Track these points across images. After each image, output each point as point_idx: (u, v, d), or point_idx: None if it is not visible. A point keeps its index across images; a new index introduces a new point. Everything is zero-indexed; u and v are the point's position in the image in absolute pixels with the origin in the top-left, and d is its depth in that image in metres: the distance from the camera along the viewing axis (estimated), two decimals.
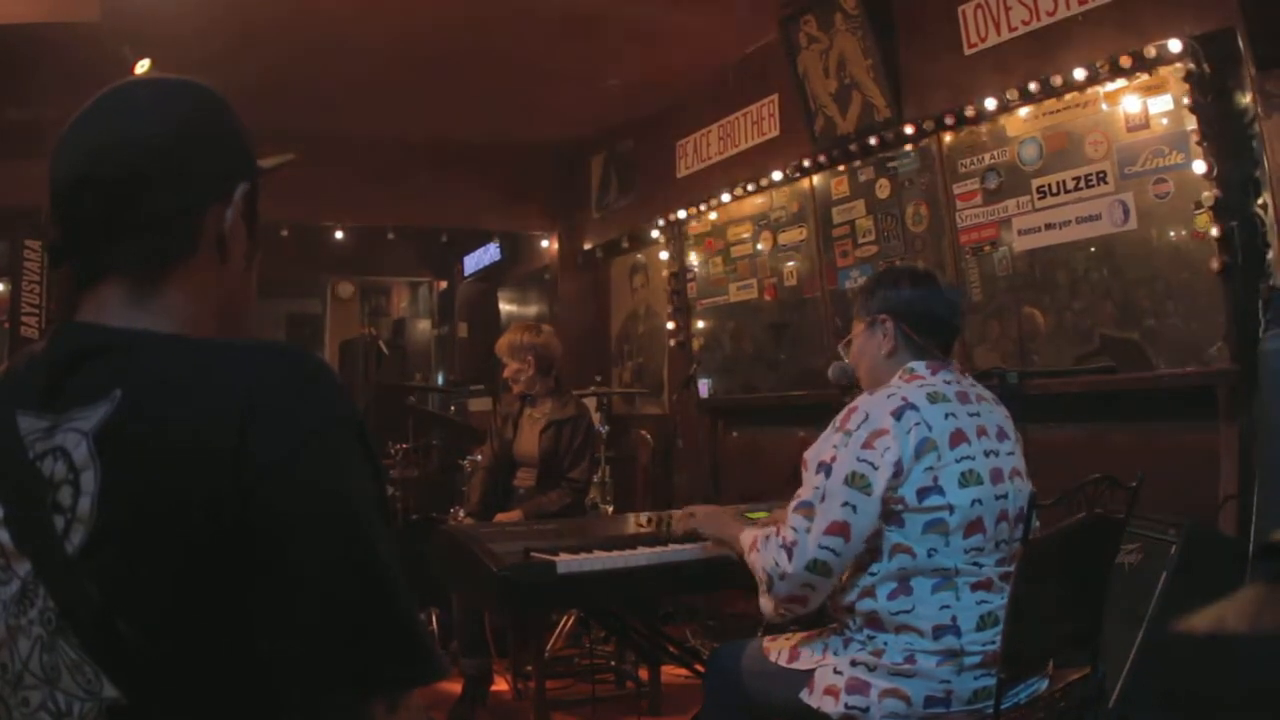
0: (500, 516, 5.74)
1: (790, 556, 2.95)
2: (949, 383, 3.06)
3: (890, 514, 2.90)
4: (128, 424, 1.26)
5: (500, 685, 5.88)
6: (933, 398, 2.97)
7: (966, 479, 2.90)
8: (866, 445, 2.91)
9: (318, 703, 1.26)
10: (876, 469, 2.88)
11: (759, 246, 7.51)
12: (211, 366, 1.30)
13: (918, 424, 2.90)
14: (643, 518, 4.33)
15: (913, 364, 3.11)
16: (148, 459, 1.24)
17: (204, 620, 1.24)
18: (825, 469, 2.97)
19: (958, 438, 2.93)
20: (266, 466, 1.23)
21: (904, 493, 2.88)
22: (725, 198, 7.68)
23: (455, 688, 5.74)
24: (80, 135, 1.40)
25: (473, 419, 10.27)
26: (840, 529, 2.89)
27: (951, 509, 2.87)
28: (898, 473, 2.86)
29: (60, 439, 1.28)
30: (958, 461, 2.90)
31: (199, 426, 1.24)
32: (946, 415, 2.95)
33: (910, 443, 2.88)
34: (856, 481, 2.89)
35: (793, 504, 3.04)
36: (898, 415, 2.91)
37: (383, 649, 1.27)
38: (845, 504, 2.89)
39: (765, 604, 3.09)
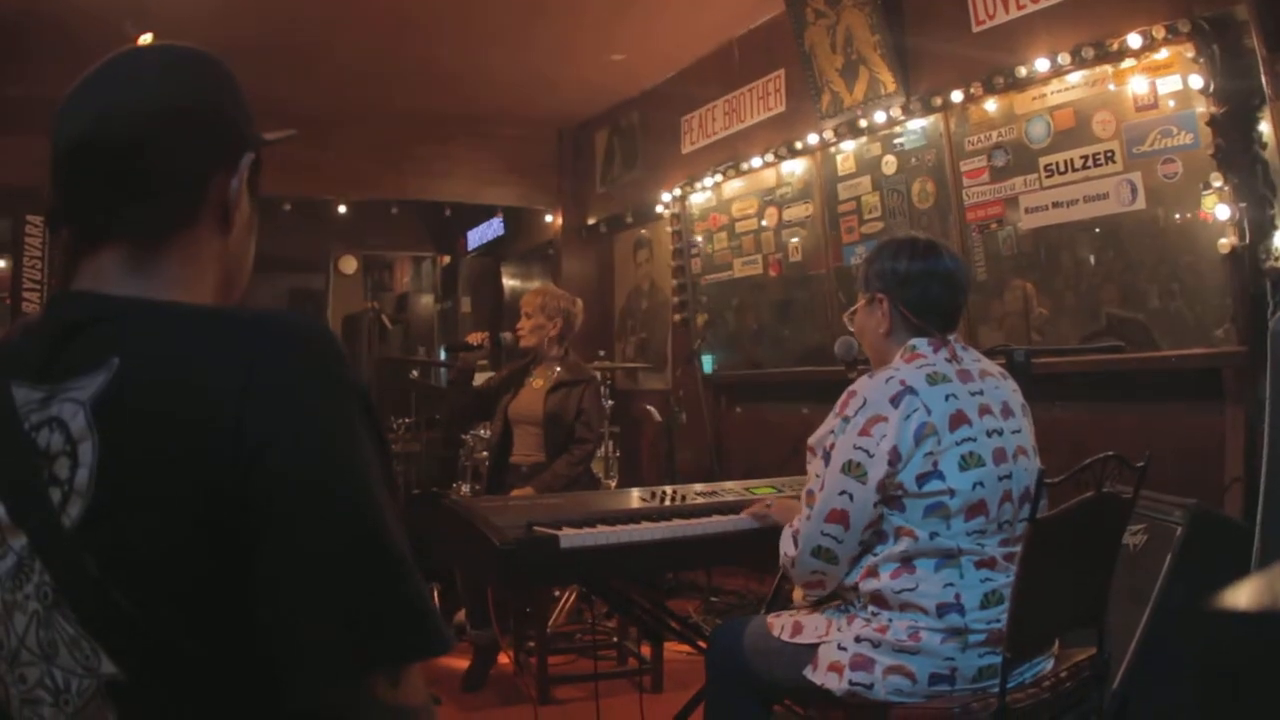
0: (515, 493, 5.72)
1: (796, 543, 2.99)
2: (951, 361, 3.04)
3: (891, 498, 2.90)
4: (126, 393, 1.23)
5: (502, 660, 5.89)
6: (932, 379, 2.95)
7: (967, 461, 2.88)
8: (863, 432, 2.91)
9: (319, 676, 1.25)
10: (872, 457, 2.88)
11: (764, 222, 7.49)
12: (212, 334, 1.28)
13: (916, 409, 2.88)
14: (646, 492, 4.32)
15: (914, 341, 3.08)
16: (147, 429, 1.22)
17: (203, 594, 1.23)
18: (826, 456, 2.98)
19: (958, 420, 2.91)
20: (268, 437, 1.21)
21: (903, 478, 2.87)
22: (730, 173, 7.66)
23: (455, 663, 5.76)
24: (85, 99, 1.38)
25: None
26: (839, 517, 2.90)
27: (952, 493, 2.86)
28: (895, 460, 2.86)
29: (57, 409, 1.26)
30: (958, 444, 2.89)
31: (199, 395, 1.22)
32: (947, 397, 2.93)
33: (909, 429, 2.87)
34: (853, 470, 2.89)
35: (803, 490, 3.06)
36: (896, 401, 2.90)
37: (386, 622, 1.25)
38: (843, 492, 2.90)
39: (798, 593, 3.16)
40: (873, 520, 2.91)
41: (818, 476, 3.00)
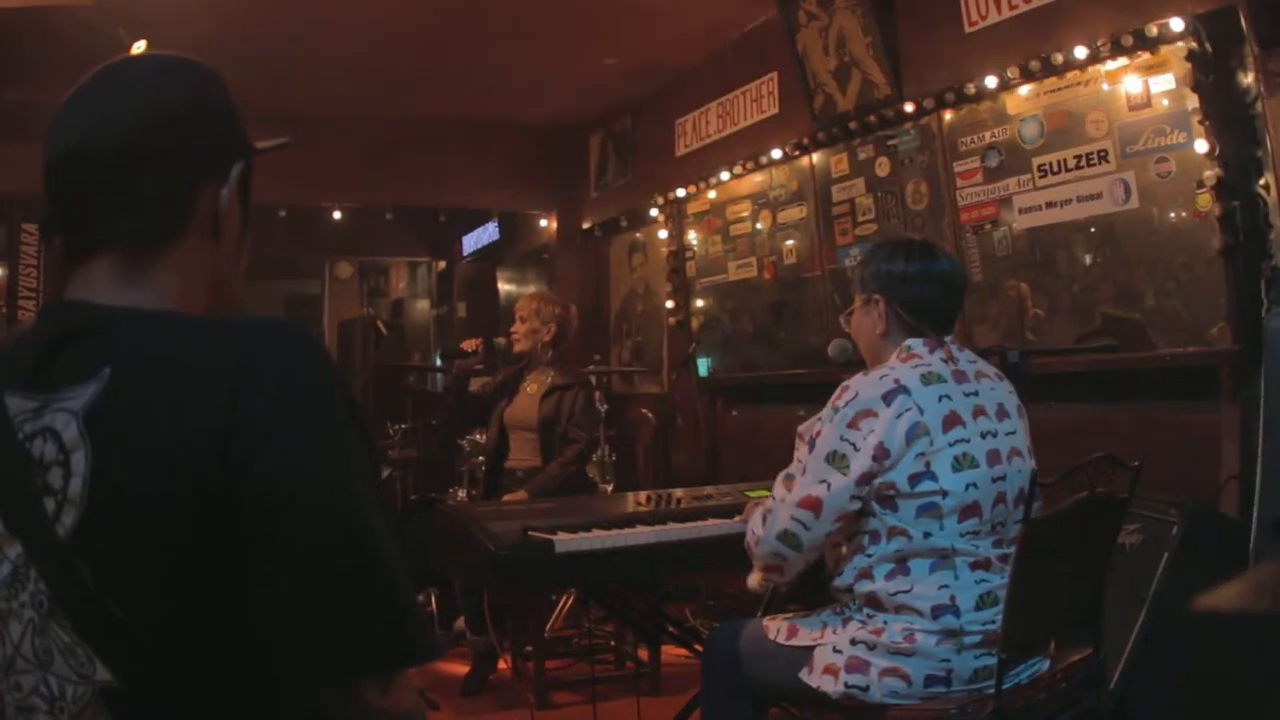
0: (507, 497, 5.74)
1: (764, 523, 3.00)
2: (946, 361, 3.04)
3: (883, 498, 2.90)
4: (117, 403, 1.24)
5: (501, 665, 5.89)
6: (926, 379, 2.95)
7: (960, 463, 2.88)
8: (852, 425, 2.91)
9: (309, 682, 1.25)
10: (858, 450, 2.88)
11: (758, 225, 7.48)
12: (202, 343, 1.29)
13: (909, 409, 2.88)
14: (642, 496, 4.33)
15: (910, 342, 3.08)
16: (138, 438, 1.23)
17: (197, 601, 1.23)
18: (811, 443, 2.99)
19: (951, 421, 2.91)
20: (259, 446, 1.22)
21: (894, 478, 2.87)
22: (724, 176, 7.65)
23: (454, 669, 5.78)
24: (77, 109, 1.39)
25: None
26: (812, 504, 2.90)
27: (945, 493, 2.86)
28: (881, 456, 2.85)
29: (50, 419, 1.27)
30: (951, 445, 2.89)
31: (189, 404, 1.23)
32: (940, 398, 2.93)
33: (900, 428, 2.87)
34: (836, 461, 2.90)
35: (781, 473, 3.07)
36: (888, 399, 2.90)
37: (375, 628, 1.26)
38: (821, 480, 2.91)
39: (752, 578, 3.17)
40: (845, 514, 2.91)
41: (799, 461, 3.01)
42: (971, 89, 5.48)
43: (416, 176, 9.69)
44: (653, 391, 8.98)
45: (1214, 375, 4.45)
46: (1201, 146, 4.38)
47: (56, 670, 1.26)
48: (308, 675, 1.25)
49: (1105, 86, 4.88)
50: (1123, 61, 4.76)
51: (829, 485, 2.89)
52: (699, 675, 3.47)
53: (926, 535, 2.87)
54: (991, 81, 5.35)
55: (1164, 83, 4.62)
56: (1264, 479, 3.68)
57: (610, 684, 5.61)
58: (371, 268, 14.85)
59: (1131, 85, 4.75)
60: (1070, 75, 5.03)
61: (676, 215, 8.34)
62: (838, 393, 3.02)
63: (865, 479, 2.87)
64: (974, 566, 2.89)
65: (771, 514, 3.01)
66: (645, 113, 8.97)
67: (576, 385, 5.96)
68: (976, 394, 3.01)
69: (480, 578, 4.04)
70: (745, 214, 7.63)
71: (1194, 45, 4.37)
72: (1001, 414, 3.04)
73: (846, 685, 2.89)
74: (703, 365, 8.07)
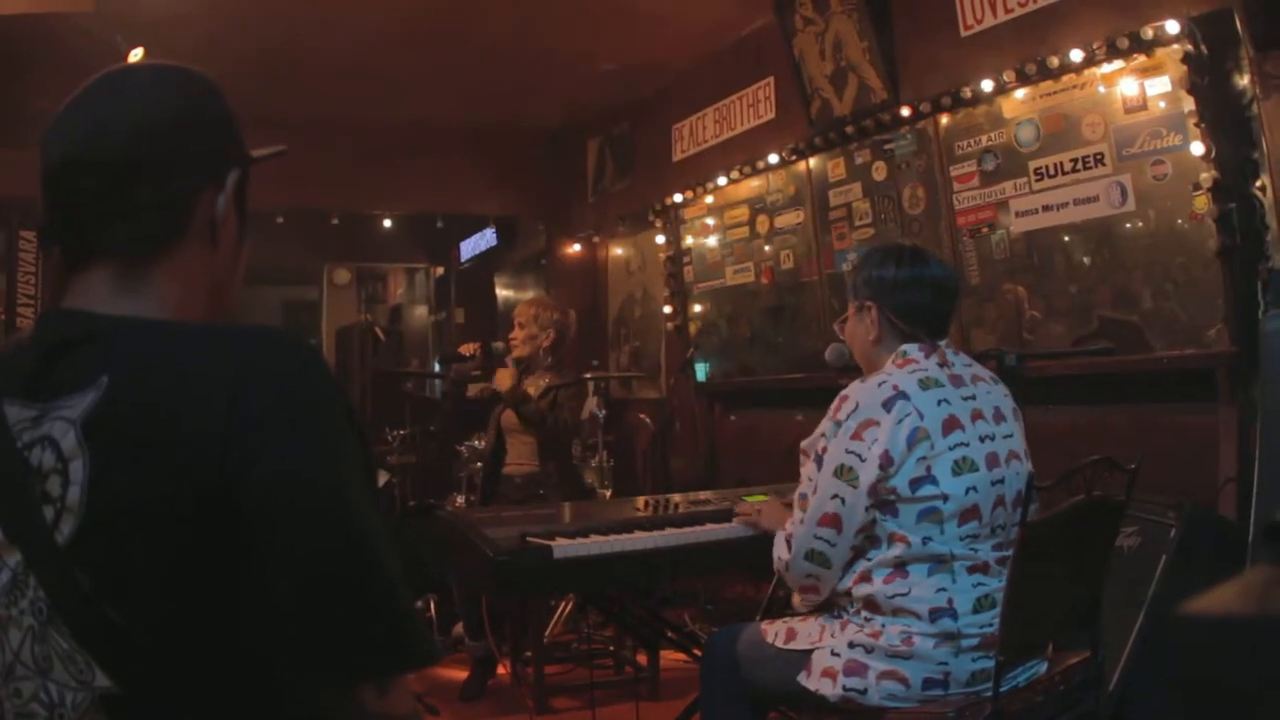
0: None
1: (790, 547, 3.00)
2: (942, 366, 3.04)
3: (884, 503, 2.90)
4: (115, 411, 1.25)
5: (500, 670, 5.89)
6: (924, 384, 2.96)
7: (960, 467, 2.89)
8: (855, 436, 2.91)
9: (307, 687, 1.26)
10: (864, 461, 2.88)
11: (756, 229, 7.48)
12: (198, 351, 1.29)
13: (909, 414, 2.89)
14: (640, 501, 4.33)
15: (905, 347, 3.09)
16: (136, 446, 1.23)
17: (195, 607, 1.24)
18: (818, 460, 2.99)
19: (951, 425, 2.92)
20: (254, 450, 1.22)
21: (896, 483, 2.88)
22: (721, 181, 7.64)
23: (452, 674, 5.78)
24: (74, 118, 1.39)
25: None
26: (832, 520, 2.91)
27: (946, 498, 2.86)
28: (886, 464, 2.86)
29: (48, 428, 1.27)
30: (951, 449, 2.89)
31: (187, 412, 1.23)
32: (939, 402, 2.94)
33: (901, 434, 2.87)
34: (844, 474, 2.90)
35: (795, 494, 3.07)
36: (888, 406, 2.90)
37: (374, 630, 1.26)
38: (835, 496, 2.91)
39: (795, 598, 3.21)
40: (865, 524, 2.91)
41: (810, 480, 3.01)
42: (967, 93, 5.48)
43: (415, 182, 9.70)
44: (651, 396, 8.98)
45: (1211, 377, 4.45)
46: (1198, 149, 4.38)
47: (56, 677, 1.26)
48: (307, 676, 1.25)
49: (1101, 89, 4.88)
50: (1118, 64, 4.76)
51: (843, 500, 2.90)
52: (698, 680, 3.47)
53: (926, 541, 2.88)
54: (987, 85, 5.35)
55: (1160, 85, 4.62)
56: (1261, 481, 3.68)
57: (609, 689, 5.60)
58: (369, 274, 14.83)
59: (1127, 88, 4.75)
60: (1066, 78, 5.03)
61: (674, 220, 8.34)
62: (836, 404, 3.02)
63: (874, 489, 2.88)
64: (972, 570, 2.90)
65: (794, 537, 3.01)
66: (643, 118, 8.97)
67: (571, 383, 5.97)
68: (974, 398, 3.01)
69: (479, 583, 4.04)
70: (742, 219, 7.62)
71: (1190, 48, 4.37)
72: (999, 417, 3.05)
73: (844, 688, 2.89)
74: (700, 370, 8.07)
